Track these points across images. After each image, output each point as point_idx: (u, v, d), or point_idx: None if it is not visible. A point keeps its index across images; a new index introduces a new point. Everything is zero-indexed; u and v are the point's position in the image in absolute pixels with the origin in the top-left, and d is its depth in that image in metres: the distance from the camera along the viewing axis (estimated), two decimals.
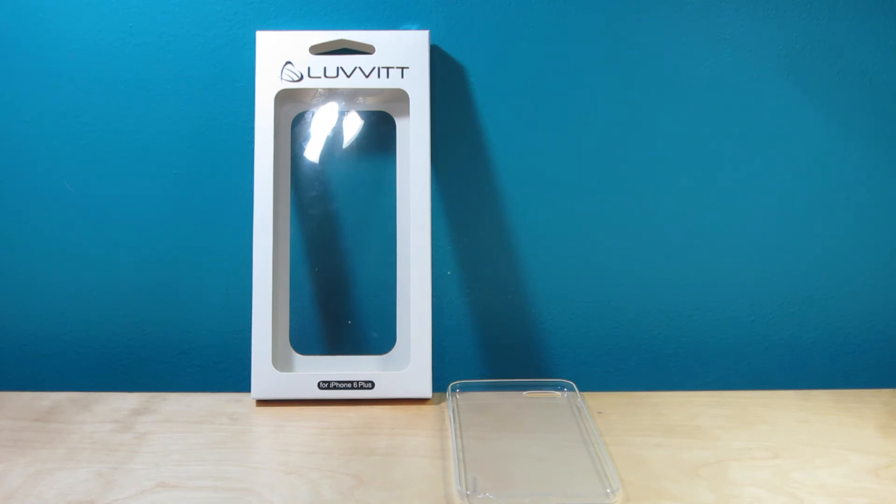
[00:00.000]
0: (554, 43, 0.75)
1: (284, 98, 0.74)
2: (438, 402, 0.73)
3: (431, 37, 0.74)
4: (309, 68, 0.73)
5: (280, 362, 0.73)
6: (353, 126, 0.76)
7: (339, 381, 0.72)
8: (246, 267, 0.76)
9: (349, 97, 0.75)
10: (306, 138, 0.76)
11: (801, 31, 0.75)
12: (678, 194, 0.78)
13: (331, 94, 0.75)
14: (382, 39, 0.73)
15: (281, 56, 0.72)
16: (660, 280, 0.80)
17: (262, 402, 0.73)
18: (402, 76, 0.73)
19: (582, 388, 0.73)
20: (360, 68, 0.73)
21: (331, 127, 0.76)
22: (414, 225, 0.72)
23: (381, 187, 0.77)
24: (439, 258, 0.79)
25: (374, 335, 0.79)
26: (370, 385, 0.72)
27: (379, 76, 0.73)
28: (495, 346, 0.81)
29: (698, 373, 0.82)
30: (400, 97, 0.74)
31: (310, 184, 0.77)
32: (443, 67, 0.75)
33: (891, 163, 0.77)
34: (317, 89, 0.74)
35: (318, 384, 0.72)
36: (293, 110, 0.75)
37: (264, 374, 0.72)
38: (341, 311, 0.80)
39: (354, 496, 0.58)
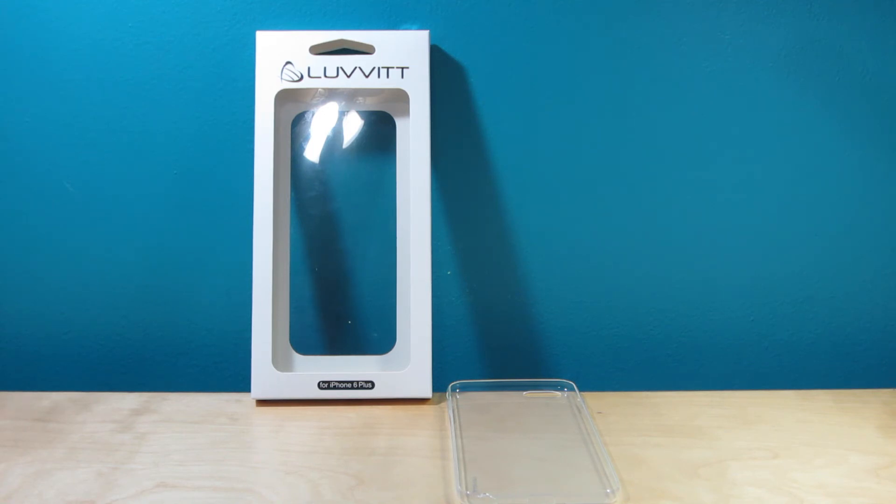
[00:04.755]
0: (554, 43, 0.75)
1: (284, 98, 0.74)
2: (438, 402, 0.73)
3: (431, 37, 0.74)
4: (309, 68, 0.73)
5: (280, 362, 0.73)
6: (353, 126, 0.76)
7: (339, 381, 0.72)
8: (246, 267, 0.76)
9: (349, 97, 0.75)
10: (306, 138, 0.76)
11: (801, 31, 0.75)
12: (678, 194, 0.78)
13: (331, 94, 0.75)
14: (382, 39, 0.73)
15: (281, 56, 0.72)
16: (660, 280, 0.80)
17: (262, 402, 0.73)
18: (402, 76, 0.73)
19: (582, 388, 0.73)
20: (360, 68, 0.73)
21: (331, 127, 0.76)
22: (414, 225, 0.72)
23: (381, 187, 0.77)
24: (439, 258, 0.79)
25: (374, 335, 0.79)
26: (370, 385, 0.72)
27: (379, 76, 0.73)
28: (495, 346, 0.81)
29: (698, 373, 0.82)
30: (400, 97, 0.74)
31: (310, 184, 0.77)
32: (443, 67, 0.75)
33: (891, 163, 0.77)
34: (317, 89, 0.74)
35: (318, 384, 0.72)
36: (293, 110, 0.75)
37: (264, 374, 0.72)
38: (341, 311, 0.80)
39: (354, 496, 0.58)
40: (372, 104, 0.76)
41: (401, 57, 0.73)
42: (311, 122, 0.76)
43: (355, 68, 0.73)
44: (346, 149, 0.77)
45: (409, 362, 0.72)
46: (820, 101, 0.76)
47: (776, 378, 0.82)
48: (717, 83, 0.76)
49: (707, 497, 0.58)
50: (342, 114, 0.76)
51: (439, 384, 0.74)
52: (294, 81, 0.72)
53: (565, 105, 0.76)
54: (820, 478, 0.61)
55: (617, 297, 0.80)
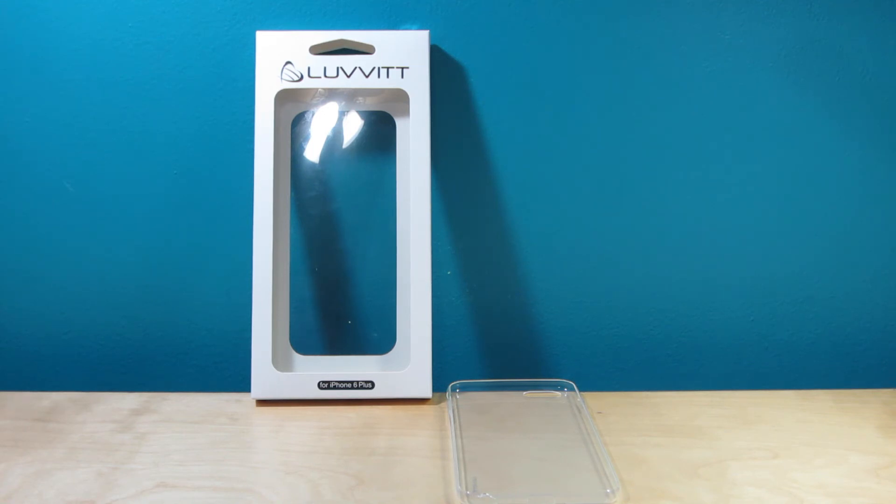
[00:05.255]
0: (554, 43, 0.75)
1: (284, 98, 0.74)
2: (438, 402, 0.73)
3: (431, 37, 0.74)
4: (309, 68, 0.73)
5: (280, 362, 0.73)
6: (353, 126, 0.76)
7: (339, 381, 0.72)
8: (246, 267, 0.76)
9: (349, 97, 0.75)
10: (306, 138, 0.76)
11: (801, 31, 0.75)
12: (678, 194, 0.78)
13: (331, 94, 0.75)
14: (382, 39, 0.73)
15: (281, 56, 0.72)
16: (660, 280, 0.80)
17: (262, 402, 0.73)
18: (402, 76, 0.73)
19: (582, 388, 0.73)
20: (360, 68, 0.73)
21: (331, 127, 0.76)
22: (414, 225, 0.72)
23: (381, 187, 0.77)
24: (439, 258, 0.79)
25: (374, 335, 0.79)
26: (370, 385, 0.72)
27: (379, 76, 0.73)
28: (495, 346, 0.81)
29: (698, 373, 0.82)
30: (400, 97, 0.74)
31: (310, 184, 0.77)
32: (443, 67, 0.75)
33: (891, 163, 0.77)
34: (317, 89, 0.74)
35: (318, 384, 0.72)
36: (293, 110, 0.75)
37: (264, 374, 0.72)
38: (341, 311, 0.80)
39: (354, 496, 0.58)
40: (372, 104, 0.76)
41: (401, 57, 0.73)
42: (311, 122, 0.76)
43: (355, 68, 0.73)
44: (346, 149, 0.77)
45: (409, 362, 0.72)
46: (820, 101, 0.76)
47: (776, 378, 0.82)
48: (717, 83, 0.76)
49: (707, 497, 0.58)
50: (342, 114, 0.76)
51: (439, 384, 0.74)
52: (294, 81, 0.72)
53: (565, 105, 0.76)
54: (820, 478, 0.61)
55: (617, 297, 0.80)
